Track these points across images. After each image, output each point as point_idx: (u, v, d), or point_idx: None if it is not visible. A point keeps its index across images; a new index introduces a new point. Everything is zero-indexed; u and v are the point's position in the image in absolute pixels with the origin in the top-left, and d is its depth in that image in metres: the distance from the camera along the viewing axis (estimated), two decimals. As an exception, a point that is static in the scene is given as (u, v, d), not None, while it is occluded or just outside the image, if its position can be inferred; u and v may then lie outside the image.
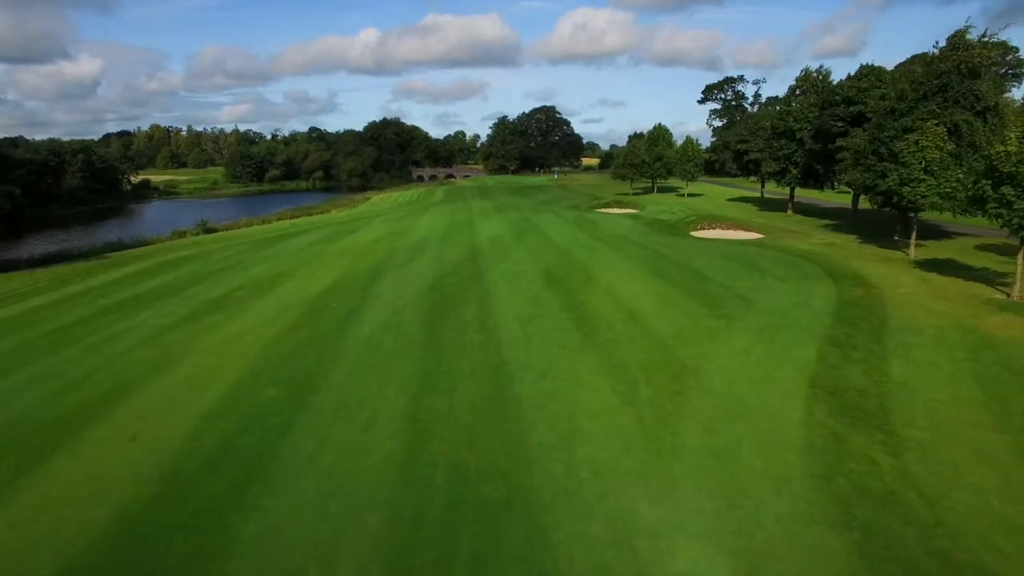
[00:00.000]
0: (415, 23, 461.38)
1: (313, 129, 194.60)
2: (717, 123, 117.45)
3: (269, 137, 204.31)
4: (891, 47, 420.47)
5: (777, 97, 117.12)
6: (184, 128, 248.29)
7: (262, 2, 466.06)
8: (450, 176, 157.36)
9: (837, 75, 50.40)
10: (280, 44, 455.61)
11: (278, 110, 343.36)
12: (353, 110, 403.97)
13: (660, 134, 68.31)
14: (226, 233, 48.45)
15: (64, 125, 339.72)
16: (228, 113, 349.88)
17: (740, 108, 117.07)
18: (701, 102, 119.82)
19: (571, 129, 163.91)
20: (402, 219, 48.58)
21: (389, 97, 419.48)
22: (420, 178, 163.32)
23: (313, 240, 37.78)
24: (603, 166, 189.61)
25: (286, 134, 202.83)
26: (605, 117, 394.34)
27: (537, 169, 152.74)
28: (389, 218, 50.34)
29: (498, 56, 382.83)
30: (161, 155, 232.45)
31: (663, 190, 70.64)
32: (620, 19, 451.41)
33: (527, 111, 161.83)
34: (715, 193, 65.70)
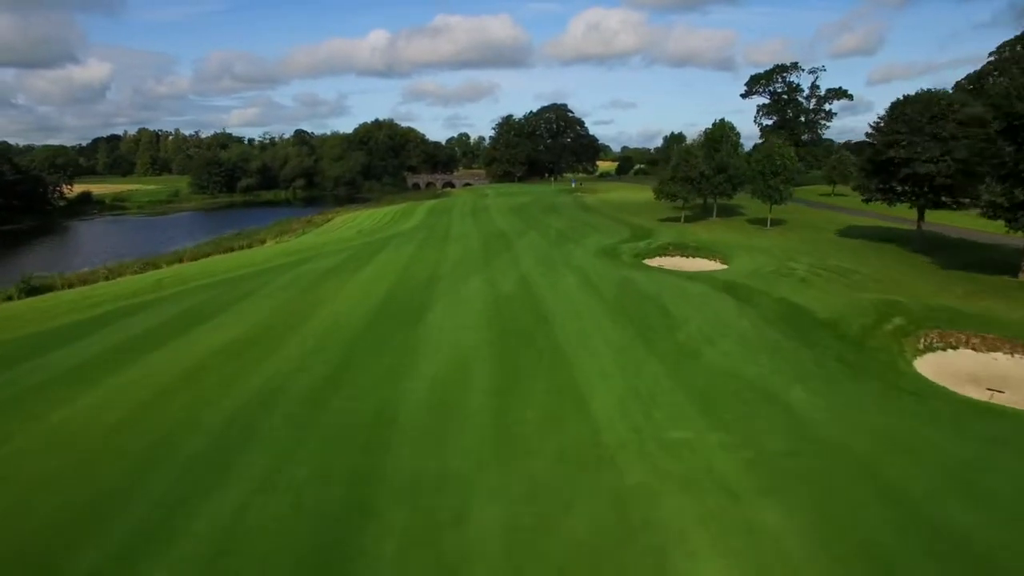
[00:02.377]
0: (425, 24, 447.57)
1: (299, 132, 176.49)
2: (766, 121, 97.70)
3: (257, 141, 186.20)
4: (910, 46, 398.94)
5: (841, 89, 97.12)
6: (172, 132, 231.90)
7: (270, 5, 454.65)
8: (448, 184, 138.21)
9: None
10: (288, 47, 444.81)
11: (287, 113, 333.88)
12: (362, 113, 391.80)
13: (722, 134, 48.39)
14: (28, 304, 29.03)
15: (74, 129, 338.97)
16: (237, 116, 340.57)
17: (794, 103, 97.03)
18: (745, 96, 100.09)
19: (585, 130, 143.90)
20: (324, 277, 29.09)
21: (399, 99, 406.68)
22: (416, 186, 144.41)
23: (97, 352, 18.40)
24: (620, 171, 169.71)
25: (275, 137, 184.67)
26: (616, 119, 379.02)
27: (547, 175, 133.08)
28: (308, 272, 30.87)
29: (509, 57, 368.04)
30: (141, 161, 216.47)
31: (723, 212, 50.66)
32: (633, 19, 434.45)
33: (535, 110, 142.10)
34: (803, 219, 45.62)
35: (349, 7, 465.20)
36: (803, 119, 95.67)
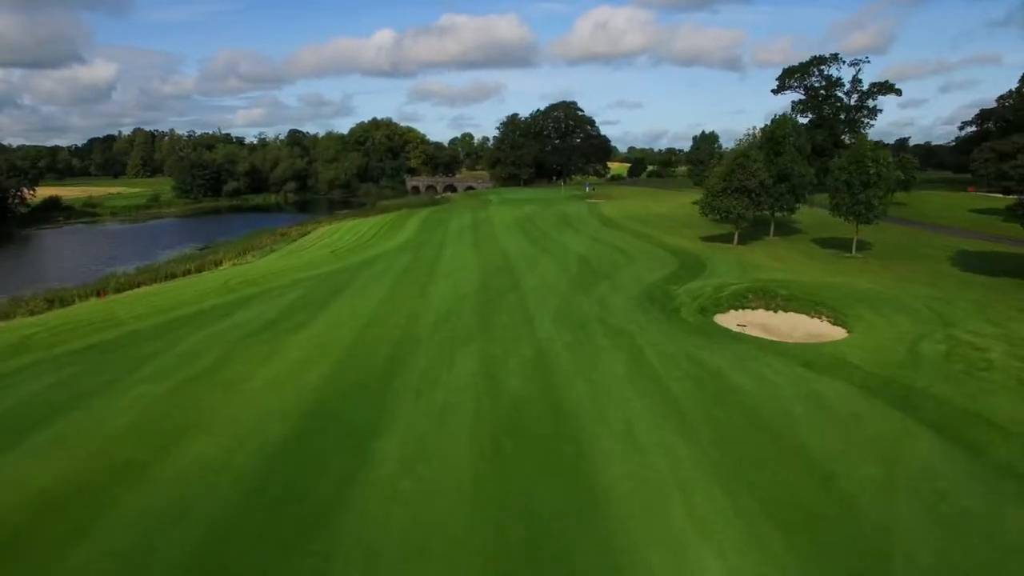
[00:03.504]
0: (431, 24, 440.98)
1: (293, 132, 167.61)
2: (802, 120, 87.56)
3: (247, 141, 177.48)
4: (922, 45, 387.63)
5: (888, 83, 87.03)
6: (167, 132, 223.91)
7: (276, 4, 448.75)
8: (450, 188, 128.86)
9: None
10: (294, 46, 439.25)
11: (292, 114, 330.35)
12: (367, 113, 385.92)
13: (783, 134, 38.74)
14: None
15: (80, 130, 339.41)
16: (242, 116, 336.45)
17: (832, 99, 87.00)
18: (776, 91, 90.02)
19: (596, 129, 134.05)
20: (244, 344, 19.71)
21: (404, 100, 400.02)
22: (415, 189, 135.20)
23: None
24: (632, 173, 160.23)
25: (267, 137, 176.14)
26: (622, 119, 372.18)
27: (555, 178, 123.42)
28: (228, 332, 21.53)
29: (515, 57, 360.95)
30: (132, 162, 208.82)
31: (778, 228, 40.99)
32: (641, 17, 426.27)
33: (542, 108, 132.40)
34: (890, 241, 35.87)
35: (355, 6, 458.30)
36: (843, 117, 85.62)
